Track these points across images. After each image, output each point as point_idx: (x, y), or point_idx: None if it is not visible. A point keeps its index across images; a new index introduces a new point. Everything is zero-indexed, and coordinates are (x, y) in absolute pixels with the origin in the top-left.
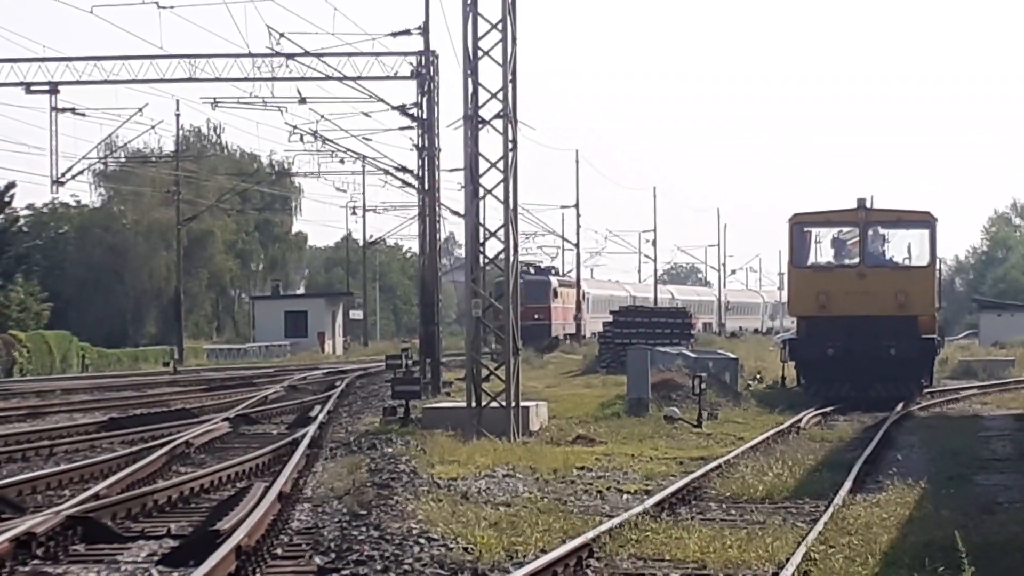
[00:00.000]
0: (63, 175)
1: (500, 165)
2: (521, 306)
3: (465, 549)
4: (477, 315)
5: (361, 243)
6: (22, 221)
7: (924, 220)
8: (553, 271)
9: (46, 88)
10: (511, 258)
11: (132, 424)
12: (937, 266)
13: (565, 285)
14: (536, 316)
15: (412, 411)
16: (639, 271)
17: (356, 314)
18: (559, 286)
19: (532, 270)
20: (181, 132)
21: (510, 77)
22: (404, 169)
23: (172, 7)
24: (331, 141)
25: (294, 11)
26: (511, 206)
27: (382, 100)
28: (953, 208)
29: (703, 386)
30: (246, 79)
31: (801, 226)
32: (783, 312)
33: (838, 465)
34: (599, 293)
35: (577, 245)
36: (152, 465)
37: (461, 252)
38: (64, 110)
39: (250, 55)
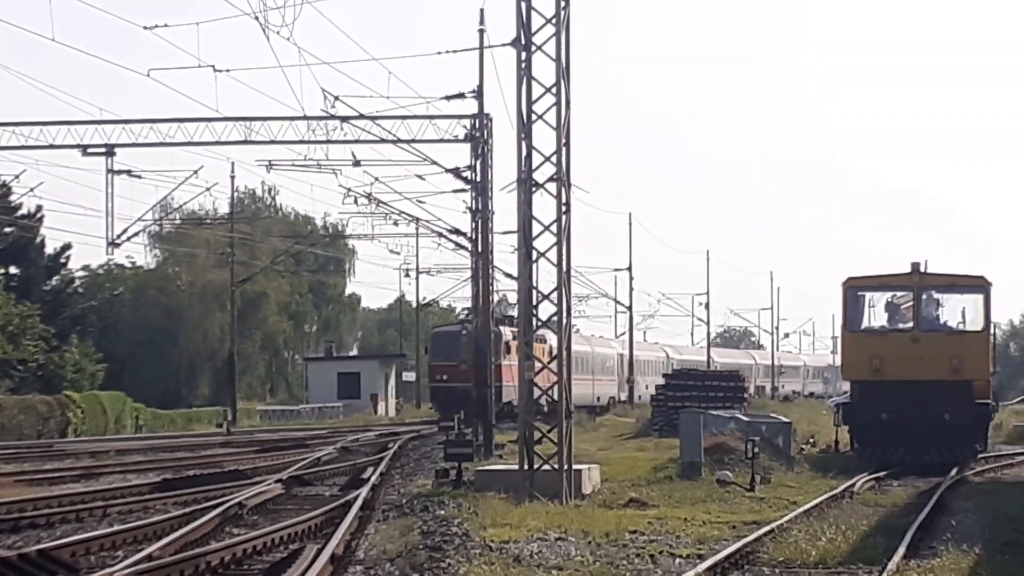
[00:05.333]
0: (118, 237)
1: (553, 228)
2: (460, 363)
3: None
4: (529, 377)
5: (414, 305)
6: (77, 282)
7: (978, 284)
8: (508, 320)
9: (102, 150)
10: (564, 321)
11: (185, 485)
12: (992, 331)
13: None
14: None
15: (464, 473)
16: (692, 334)
17: (409, 376)
18: (515, 339)
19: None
20: (236, 194)
21: (564, 140)
22: (457, 231)
23: (228, 70)
24: (385, 203)
25: (349, 74)
26: (564, 269)
27: (436, 163)
28: (1007, 273)
29: (756, 450)
30: (301, 142)
31: (855, 290)
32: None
33: (892, 530)
34: (603, 352)
35: (630, 308)
36: (205, 526)
37: (514, 314)
38: (120, 172)
39: (305, 118)
